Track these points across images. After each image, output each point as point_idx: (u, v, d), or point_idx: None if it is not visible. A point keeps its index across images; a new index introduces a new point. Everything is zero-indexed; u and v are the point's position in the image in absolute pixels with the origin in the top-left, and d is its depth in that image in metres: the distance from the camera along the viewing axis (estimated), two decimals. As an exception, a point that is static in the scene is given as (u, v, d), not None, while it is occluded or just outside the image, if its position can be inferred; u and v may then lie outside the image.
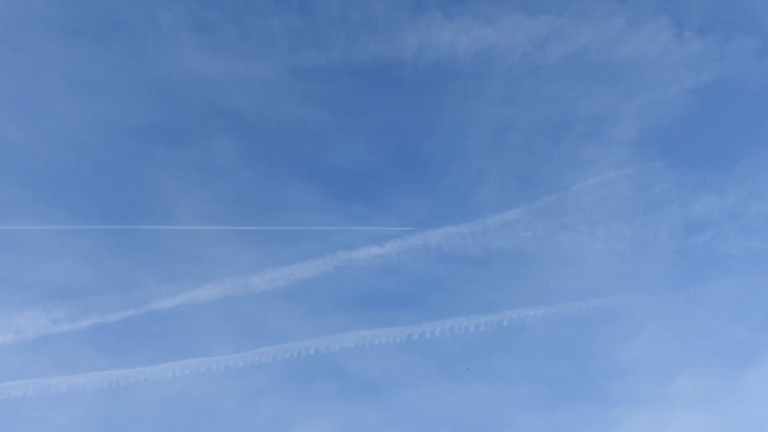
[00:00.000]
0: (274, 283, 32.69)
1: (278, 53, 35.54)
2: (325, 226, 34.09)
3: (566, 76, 38.95)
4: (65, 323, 31.36)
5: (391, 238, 33.85)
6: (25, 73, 34.88)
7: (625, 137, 38.99)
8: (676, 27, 37.92)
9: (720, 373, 38.03)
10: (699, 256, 38.70)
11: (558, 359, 36.18)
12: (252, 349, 32.44)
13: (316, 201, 36.84)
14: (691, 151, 40.12)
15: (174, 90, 36.40)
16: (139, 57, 35.31)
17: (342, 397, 33.99)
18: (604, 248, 37.23)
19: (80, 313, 31.46)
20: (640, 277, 38.75)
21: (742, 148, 39.93)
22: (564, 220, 37.04)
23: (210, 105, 36.75)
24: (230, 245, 33.82)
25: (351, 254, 33.01)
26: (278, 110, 37.75)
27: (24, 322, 31.19)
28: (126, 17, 34.76)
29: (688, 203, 38.13)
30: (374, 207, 36.63)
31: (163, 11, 34.45)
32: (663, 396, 38.27)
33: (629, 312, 36.96)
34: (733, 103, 41.14)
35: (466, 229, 35.03)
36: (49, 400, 31.31)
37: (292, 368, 32.90)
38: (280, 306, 33.72)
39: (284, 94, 37.56)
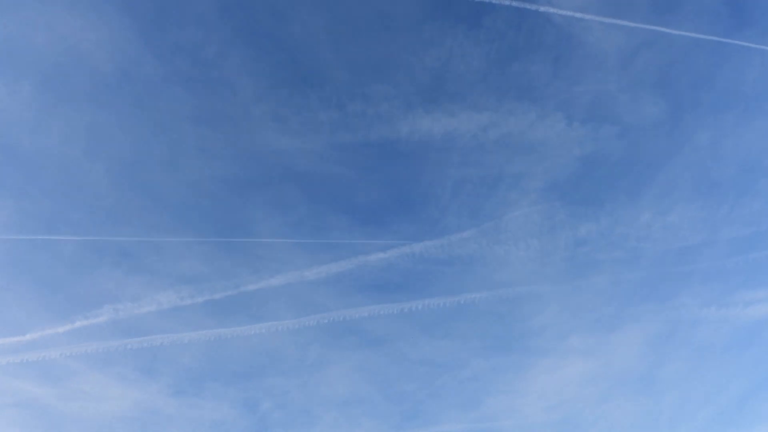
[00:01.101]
0: (319, 276, 50.89)
1: (323, 135, 52.08)
2: (350, 240, 52.55)
3: (500, 150, 55.68)
4: (188, 299, 49.22)
5: (391, 248, 51.98)
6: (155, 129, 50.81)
7: (536, 187, 56.32)
8: (567, 119, 55.12)
9: (597, 335, 58.01)
10: (582, 261, 58.40)
11: (495, 326, 55.26)
12: (304, 316, 50.70)
13: (346, 225, 53.16)
14: (577, 196, 58.55)
15: (258, 156, 54.39)
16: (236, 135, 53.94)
17: (359, 347, 52.57)
18: (524, 255, 56.42)
19: (197, 293, 49.39)
20: (546, 273, 58.19)
21: (610, 194, 60.05)
22: (498, 237, 55.70)
23: (281, 166, 54.08)
24: (293, 252, 51.88)
25: (367, 257, 51.26)
26: (323, 169, 53.61)
27: (162, 298, 48.98)
28: (226, 107, 53.31)
29: (576, 228, 57.25)
30: (381, 228, 53.19)
31: (255, 104, 52.88)
32: (560, 349, 57.45)
33: (539, 295, 56.28)
34: (603, 165, 60.49)
35: (437, 242, 53.18)
36: (175, 347, 49.02)
37: (328, 329, 50.79)
38: (322, 290, 51.57)
39: (328, 160, 53.34)
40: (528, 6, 47.65)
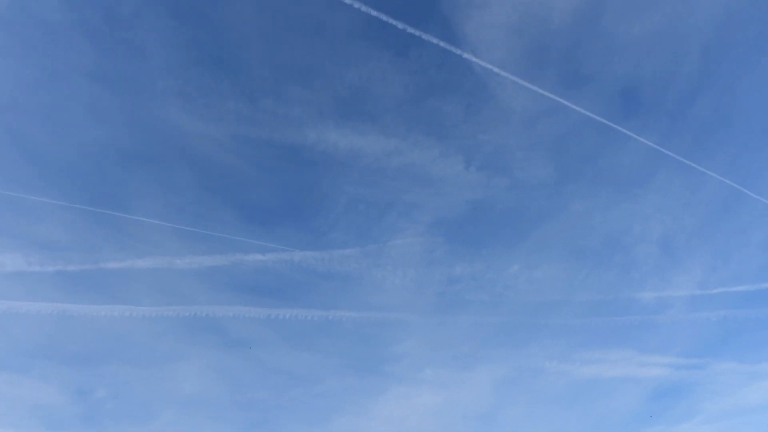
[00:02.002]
0: (190, 266, 48.65)
1: (228, 124, 50.69)
2: (231, 235, 50.75)
3: (398, 178, 57.51)
4: (36, 266, 44.68)
5: (271, 252, 51.37)
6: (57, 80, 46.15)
7: (424, 220, 58.66)
8: (466, 162, 58.41)
9: (451, 370, 60.92)
10: (451, 298, 61.42)
11: (358, 346, 56.00)
12: (164, 305, 48.03)
13: (231, 219, 51.72)
14: (459, 236, 62.72)
15: (152, 129, 50.96)
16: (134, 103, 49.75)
17: (217, 347, 50.65)
18: (399, 282, 58.16)
19: (49, 261, 44.97)
20: (415, 304, 60.42)
21: (489, 240, 64.09)
22: (379, 260, 57.22)
23: (175, 145, 51.98)
24: (168, 237, 48.96)
25: (244, 257, 49.94)
26: (220, 158, 52.35)
27: (6, 259, 44.03)
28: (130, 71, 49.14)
29: (452, 265, 60.52)
30: (266, 230, 52.39)
31: (162, 76, 49.30)
32: (415, 379, 59.45)
33: (406, 323, 58.19)
34: (489, 212, 64.69)
35: (319, 255, 53.44)
36: (10, 316, 44.16)
37: (188, 323, 48.67)
38: (190, 281, 49.44)
39: (227, 150, 52.19)
40: (453, 49, 49.21)
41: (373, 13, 44.36)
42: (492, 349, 63.59)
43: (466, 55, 50.05)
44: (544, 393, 68.13)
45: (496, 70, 51.27)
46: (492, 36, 51.88)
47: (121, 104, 47.47)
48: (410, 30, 46.15)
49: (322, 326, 52.79)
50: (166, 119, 49.27)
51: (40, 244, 44.88)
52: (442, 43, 48.43)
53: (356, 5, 43.70)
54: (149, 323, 47.64)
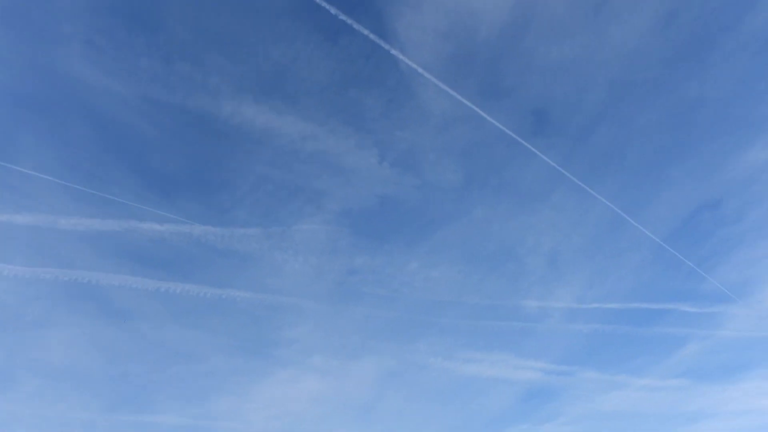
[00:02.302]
0: (76, 227, 45.20)
1: (138, 82, 47.12)
2: (127, 200, 47.66)
3: (311, 163, 56.64)
4: None
5: (169, 222, 48.91)
6: None
7: (332, 208, 58.27)
8: (380, 157, 59.01)
9: (339, 359, 61.55)
10: (348, 289, 62.02)
11: (248, 328, 55.12)
12: (41, 267, 44.38)
13: (129, 183, 48.47)
14: (364, 228, 63.59)
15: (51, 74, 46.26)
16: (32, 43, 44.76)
17: (97, 316, 47.63)
18: (299, 268, 57.74)
19: None
20: (313, 290, 60.28)
21: (392, 236, 65.43)
22: (281, 244, 56.48)
23: (76, 96, 47.61)
24: (55, 193, 45.04)
25: (139, 224, 47.19)
26: (125, 117, 48.73)
27: None
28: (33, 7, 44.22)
29: (353, 257, 61.12)
30: (166, 200, 49.58)
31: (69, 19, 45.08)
32: (302, 365, 59.58)
33: (300, 309, 57.93)
34: (396, 208, 66.28)
35: (219, 231, 51.72)
36: None
37: (66, 287, 45.36)
38: (74, 243, 45.87)
39: (134, 109, 48.62)
40: (382, 43, 49.21)
41: (308, -8, 43.35)
42: (381, 341, 65.22)
43: (393, 52, 50.24)
44: (425, 388, 71.02)
45: (420, 70, 51.94)
46: (421, 37, 52.48)
47: (16, 42, 42.91)
48: (342, 17, 45.54)
49: (214, 304, 51.25)
50: (68, 67, 45.22)
51: None
52: (372, 36, 48.24)
53: (291, -18, 42.42)
54: (21, 284, 43.86)
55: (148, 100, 47.72)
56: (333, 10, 44.95)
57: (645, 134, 74.09)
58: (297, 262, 58.28)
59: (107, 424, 45.24)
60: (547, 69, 59.50)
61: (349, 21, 46.23)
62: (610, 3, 56.76)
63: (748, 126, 74.44)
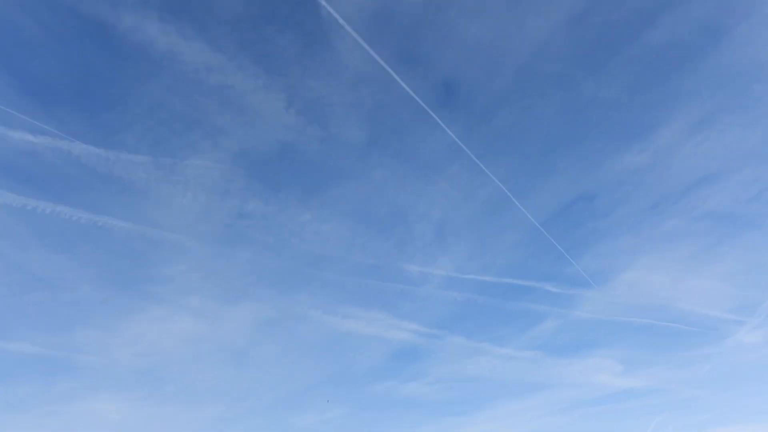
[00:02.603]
0: None
1: None
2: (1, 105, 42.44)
3: (213, 97, 54.22)
4: None
5: (46, 135, 44.30)
6: None
7: (232, 147, 56.34)
8: (287, 103, 58.11)
9: (218, 302, 60.23)
10: (237, 232, 60.09)
11: (124, 259, 52.21)
12: None
13: (5, 85, 44.46)
14: (261, 172, 62.20)
15: None
16: None
17: None
18: (186, 204, 54.95)
19: None
20: (198, 229, 57.83)
21: (290, 186, 64.35)
22: (171, 176, 52.90)
23: None
24: None
25: (9, 132, 42.19)
26: (15, 16, 43.97)
27: None
28: None
29: (246, 200, 58.56)
30: (46, 110, 45.32)
31: None
32: (178, 304, 57.24)
33: (183, 247, 55.11)
34: (298, 158, 65.18)
35: (103, 153, 46.84)
36: None
37: None
38: None
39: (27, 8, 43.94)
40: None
41: None
42: (263, 289, 64.63)
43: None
44: (302, 339, 71.78)
45: (341, 21, 50.68)
46: (348, -13, 51.18)
47: None
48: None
49: (87, 230, 47.73)
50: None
51: None
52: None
53: None
54: None
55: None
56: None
57: (541, 124, 78.58)
58: (185, 198, 55.72)
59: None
60: (464, 45, 60.70)
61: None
62: (531, -7, 58.83)
63: (629, 131, 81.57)
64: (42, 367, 45.93)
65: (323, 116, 62.91)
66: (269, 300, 64.56)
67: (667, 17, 59.54)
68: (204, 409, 58.87)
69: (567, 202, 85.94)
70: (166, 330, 54.38)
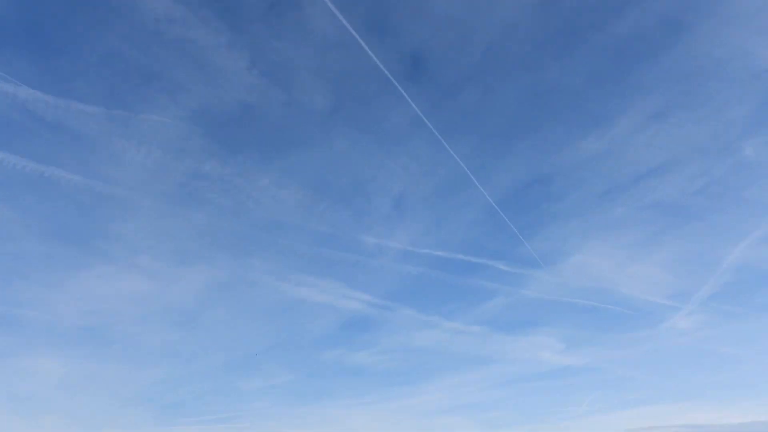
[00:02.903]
0: None
1: None
2: None
3: (174, 50, 52.92)
4: None
5: None
6: None
7: (188, 104, 54.94)
8: (250, 63, 56.00)
9: (167, 262, 58.93)
10: (191, 193, 58.61)
11: (71, 213, 50.42)
12: None
13: None
14: (222, 133, 60.57)
15: None
16: None
17: None
18: (140, 160, 53.00)
19: None
20: (152, 187, 56.08)
21: (251, 147, 62.90)
22: (125, 130, 51.19)
23: None
24: None
25: None
26: None
27: None
28: None
29: (203, 161, 57.26)
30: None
31: None
32: (127, 263, 55.65)
33: (134, 204, 53.66)
34: (262, 121, 63.78)
35: (53, 100, 44.66)
36: None
37: None
38: None
39: None
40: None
41: None
42: (217, 252, 63.45)
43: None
44: (254, 304, 71.32)
45: None
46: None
47: None
48: None
49: (33, 181, 45.64)
50: None
51: None
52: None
53: None
54: None
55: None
56: None
57: (504, 105, 79.36)
58: (139, 154, 53.63)
59: None
60: (434, 19, 60.16)
61: None
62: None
63: (588, 119, 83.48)
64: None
65: (287, 80, 61.49)
66: (222, 263, 63.57)
67: (634, 9, 60.67)
68: (150, 370, 57.99)
69: (524, 183, 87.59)
70: (113, 288, 52.88)
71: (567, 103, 75.99)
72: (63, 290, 49.42)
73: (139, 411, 57.86)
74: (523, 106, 74.70)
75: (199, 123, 55.82)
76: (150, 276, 56.18)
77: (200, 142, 56.32)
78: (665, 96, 75.80)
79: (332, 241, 71.93)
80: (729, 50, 70.98)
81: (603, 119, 75.29)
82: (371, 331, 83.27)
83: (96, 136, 48.80)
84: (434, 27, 60.40)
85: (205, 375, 60.33)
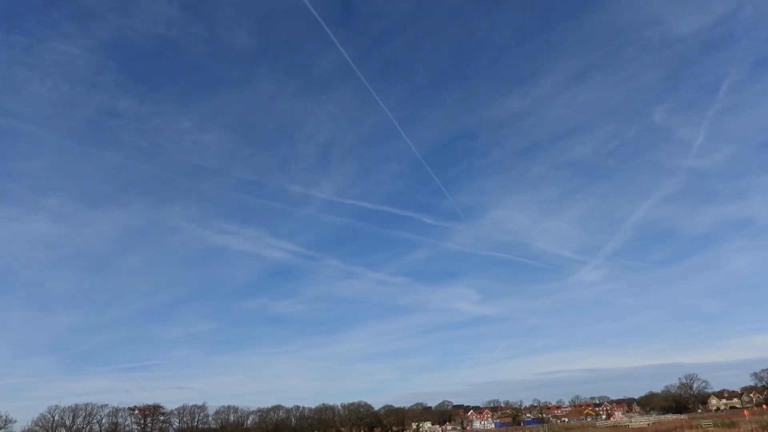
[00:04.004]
0: None
1: None
2: None
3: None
4: None
5: None
6: None
7: (100, 35, 52.76)
8: None
9: (77, 207, 55.41)
10: (104, 132, 55.66)
11: None
12: None
13: None
14: (134, 66, 56.79)
15: None
16: None
17: None
18: (45, 93, 49.31)
19: None
20: (60, 123, 52.39)
21: (166, 86, 59.49)
22: (26, 60, 47.07)
23: None
24: None
25: None
26: None
27: None
28: None
29: (118, 98, 54.74)
30: None
31: None
32: (34, 204, 52.87)
33: (40, 141, 50.23)
34: (179, 57, 60.42)
35: None
36: None
37: None
38: None
39: None
40: None
41: None
42: (133, 195, 60.62)
43: None
44: (173, 251, 69.15)
45: None
46: None
47: None
48: None
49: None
50: None
51: None
52: None
53: None
54: None
55: None
56: None
57: (434, 56, 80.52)
58: (44, 86, 49.91)
59: None
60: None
61: None
62: None
63: (512, 76, 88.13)
64: None
65: (211, 15, 58.56)
66: (138, 208, 60.66)
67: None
68: (59, 316, 55.16)
69: (450, 138, 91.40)
70: (18, 231, 49.31)
71: (494, 59, 77.79)
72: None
73: (48, 360, 55.11)
74: (451, 60, 75.80)
75: (113, 56, 52.76)
76: (59, 219, 53.39)
77: (114, 78, 53.35)
78: (586, 58, 79.38)
79: (257, 189, 70.64)
80: (646, 16, 75.16)
81: (528, 77, 77.90)
82: (295, 281, 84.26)
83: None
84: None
85: (121, 323, 58.38)
